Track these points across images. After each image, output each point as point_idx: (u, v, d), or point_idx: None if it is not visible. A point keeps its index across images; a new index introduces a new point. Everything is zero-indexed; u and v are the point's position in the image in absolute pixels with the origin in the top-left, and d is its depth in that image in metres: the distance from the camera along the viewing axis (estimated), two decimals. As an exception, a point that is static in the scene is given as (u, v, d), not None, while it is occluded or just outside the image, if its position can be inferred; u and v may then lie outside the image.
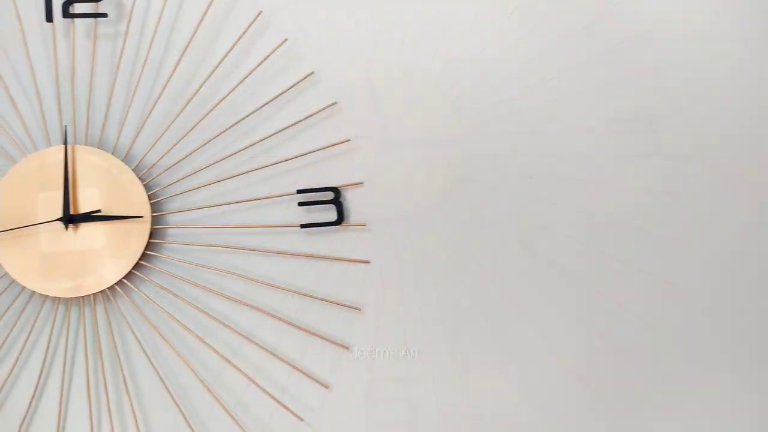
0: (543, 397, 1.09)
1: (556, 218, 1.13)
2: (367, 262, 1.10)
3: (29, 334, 1.02)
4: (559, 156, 1.14)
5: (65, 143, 1.03)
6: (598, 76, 1.15)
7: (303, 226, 1.08)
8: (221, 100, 1.09)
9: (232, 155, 1.09)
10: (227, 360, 1.04)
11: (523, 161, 1.14)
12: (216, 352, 1.04)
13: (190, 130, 1.08)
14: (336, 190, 1.10)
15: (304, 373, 1.06)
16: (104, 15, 1.09)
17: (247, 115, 1.10)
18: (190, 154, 1.08)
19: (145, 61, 1.09)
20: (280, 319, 1.06)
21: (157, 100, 1.08)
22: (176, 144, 1.08)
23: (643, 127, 1.14)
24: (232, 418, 1.03)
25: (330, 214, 1.10)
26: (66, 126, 1.05)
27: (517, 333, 1.10)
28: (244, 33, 1.11)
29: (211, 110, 1.09)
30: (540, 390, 1.09)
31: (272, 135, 1.10)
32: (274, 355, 1.05)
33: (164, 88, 1.08)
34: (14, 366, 1.01)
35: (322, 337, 1.07)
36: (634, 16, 1.17)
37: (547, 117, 1.14)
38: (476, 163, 1.13)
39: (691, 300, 1.12)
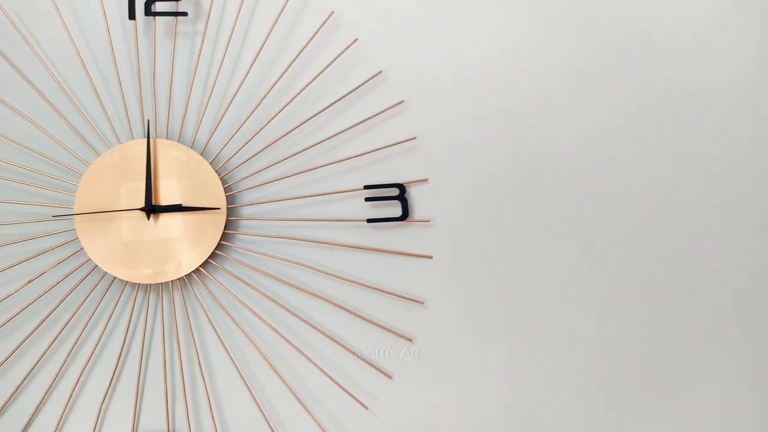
0: (599, 393, 1.12)
1: (617, 220, 1.15)
2: (430, 257, 1.13)
3: (110, 318, 1.07)
4: (623, 157, 1.16)
5: (148, 137, 1.08)
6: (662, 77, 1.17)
7: (369, 220, 1.12)
8: (293, 98, 1.13)
9: (302, 151, 1.13)
10: (295, 347, 1.08)
11: (586, 162, 1.16)
12: (284, 338, 1.08)
13: (263, 127, 1.12)
14: (401, 187, 1.13)
15: (368, 363, 1.09)
16: (184, 14, 1.14)
17: (317, 113, 1.14)
18: (263, 149, 1.12)
19: (223, 59, 1.13)
20: (344, 309, 1.10)
21: (233, 98, 1.13)
22: (250, 140, 1.12)
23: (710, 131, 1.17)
24: (299, 401, 1.07)
25: (395, 209, 1.13)
26: (148, 120, 1.10)
27: (577, 331, 1.13)
28: (315, 33, 1.15)
29: (283, 108, 1.13)
30: (596, 386, 1.12)
31: (341, 132, 1.14)
32: (339, 343, 1.09)
33: (239, 86, 1.13)
34: (95, 347, 1.07)
35: (385, 329, 1.10)
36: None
37: (612, 118, 1.16)
38: (540, 162, 1.15)
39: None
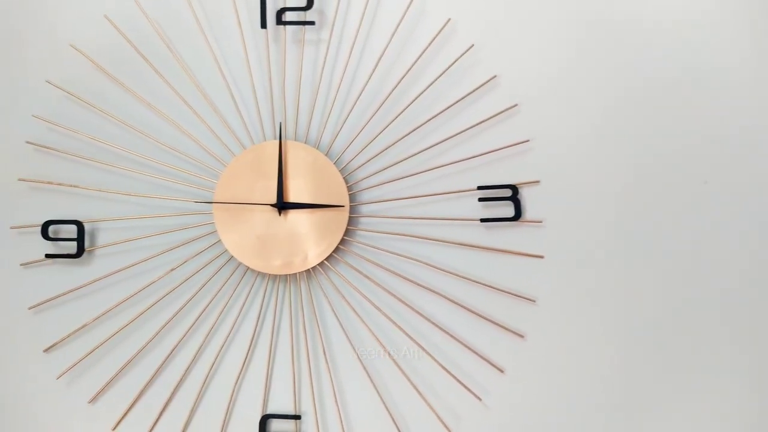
0: (708, 391, 1.13)
1: (728, 225, 1.15)
2: (541, 257, 1.17)
3: (243, 305, 1.17)
4: (735, 161, 1.16)
5: (280, 139, 1.17)
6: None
7: (482, 220, 1.17)
8: (411, 102, 1.19)
9: (418, 153, 1.19)
10: (410, 337, 1.15)
11: (700, 165, 1.17)
12: (400, 329, 1.15)
13: (382, 130, 1.19)
14: (514, 188, 1.18)
15: (481, 357, 1.15)
16: (312, 23, 1.21)
17: (433, 116, 1.19)
18: (383, 151, 1.19)
19: (345, 65, 1.20)
20: (458, 304, 1.16)
21: (355, 102, 1.19)
22: (371, 142, 1.19)
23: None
24: (415, 388, 1.14)
25: (508, 210, 1.18)
26: (280, 123, 1.18)
27: (685, 331, 1.15)
28: (432, 40, 1.20)
29: (401, 112, 1.19)
30: (704, 383, 1.13)
31: (456, 135, 1.19)
32: (453, 337, 1.15)
33: (361, 91, 1.20)
34: (229, 332, 1.17)
35: (497, 324, 1.15)
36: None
37: (729, 120, 1.17)
38: (652, 164, 1.17)
39: None
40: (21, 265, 1.19)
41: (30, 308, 1.18)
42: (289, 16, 1.22)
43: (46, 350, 1.17)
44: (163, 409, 1.15)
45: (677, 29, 1.19)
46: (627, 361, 1.15)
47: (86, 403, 1.16)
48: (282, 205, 1.15)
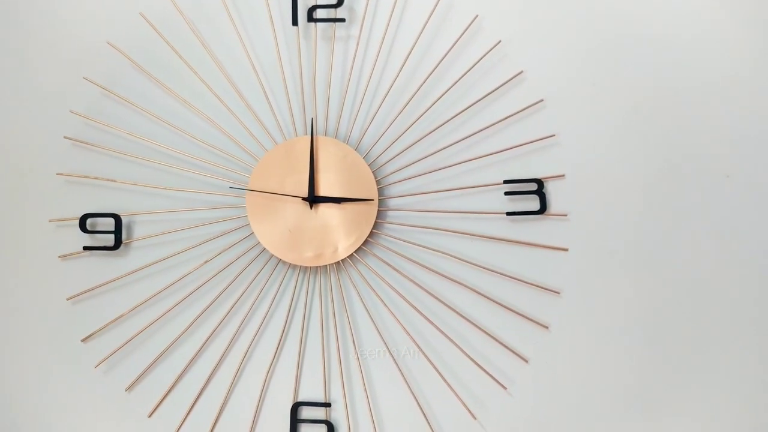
0: (735, 381, 1.15)
1: (751, 219, 1.18)
2: (566, 249, 1.19)
3: (275, 296, 1.20)
4: (760, 156, 1.18)
5: (312, 134, 1.19)
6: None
7: (508, 213, 1.20)
8: (438, 97, 1.22)
9: (445, 148, 1.21)
10: (436, 327, 1.17)
11: (721, 159, 1.19)
12: (426, 319, 1.18)
13: (410, 126, 1.22)
14: (539, 182, 1.20)
15: (506, 347, 1.17)
16: (342, 20, 1.24)
17: (460, 112, 1.22)
18: (410, 146, 1.22)
19: (375, 61, 1.23)
20: (483, 295, 1.18)
21: (383, 98, 1.22)
22: (399, 137, 1.22)
23: None
24: (441, 376, 1.17)
25: (533, 203, 1.20)
26: (312, 119, 1.21)
27: (708, 325, 1.17)
28: (459, 37, 1.23)
29: (429, 107, 1.22)
30: (730, 374, 1.15)
31: (483, 130, 1.21)
32: (478, 327, 1.18)
33: (390, 88, 1.22)
34: (261, 323, 1.20)
35: (522, 315, 1.18)
36: None
37: (751, 115, 1.19)
38: (674, 160, 1.19)
39: None
40: (59, 257, 1.22)
41: (68, 299, 1.21)
42: (319, 13, 1.24)
43: (84, 340, 1.20)
44: (198, 397, 1.18)
45: (703, 27, 1.21)
46: (649, 353, 1.17)
47: (123, 391, 1.19)
48: (313, 199, 1.18)
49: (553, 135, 1.21)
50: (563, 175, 1.21)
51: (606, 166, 1.21)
